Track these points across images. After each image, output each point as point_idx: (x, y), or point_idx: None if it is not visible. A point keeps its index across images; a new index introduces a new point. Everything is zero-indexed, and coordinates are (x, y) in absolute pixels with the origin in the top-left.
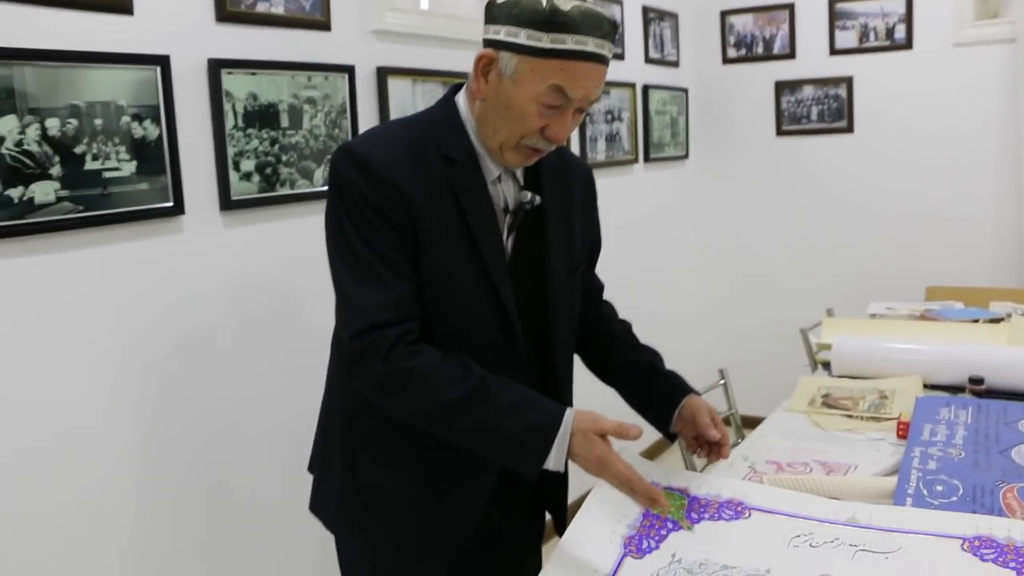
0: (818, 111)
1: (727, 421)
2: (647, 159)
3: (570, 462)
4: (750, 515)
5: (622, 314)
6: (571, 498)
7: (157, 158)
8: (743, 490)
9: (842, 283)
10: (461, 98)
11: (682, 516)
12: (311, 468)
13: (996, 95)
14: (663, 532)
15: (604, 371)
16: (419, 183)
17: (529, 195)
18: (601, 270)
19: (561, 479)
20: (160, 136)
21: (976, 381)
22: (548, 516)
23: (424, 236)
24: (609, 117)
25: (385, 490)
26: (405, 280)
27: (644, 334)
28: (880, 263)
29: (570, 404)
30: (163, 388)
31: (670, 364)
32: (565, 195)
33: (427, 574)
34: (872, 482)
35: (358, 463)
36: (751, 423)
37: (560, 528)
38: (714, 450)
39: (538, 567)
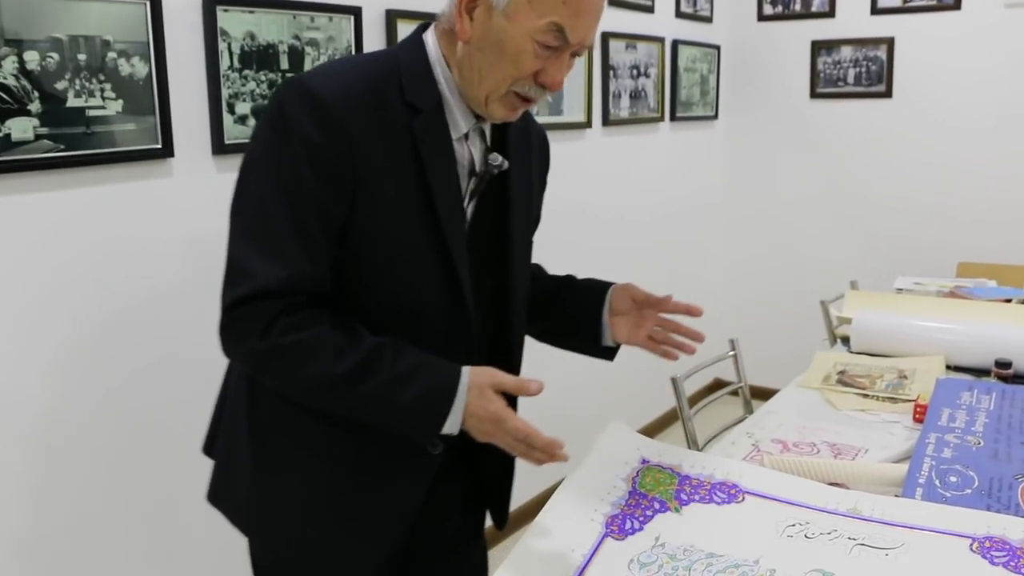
0: (855, 74)
1: (736, 393)
2: (673, 118)
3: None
4: (744, 499)
5: (643, 277)
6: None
7: (145, 97)
8: (738, 471)
9: (871, 254)
10: (430, 38)
11: (671, 496)
12: (208, 451)
13: None
14: (649, 513)
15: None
16: (375, 132)
17: (499, 159)
18: (619, 229)
19: (504, 472)
20: (149, 74)
21: (1003, 365)
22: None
23: (369, 192)
24: (635, 72)
25: (307, 481)
26: (314, 258)
27: None
28: (912, 235)
29: None
30: (145, 336)
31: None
32: (526, 159)
33: (354, 572)
34: (881, 469)
35: (273, 450)
36: (763, 395)
37: (500, 524)
38: (674, 327)
39: (482, 554)
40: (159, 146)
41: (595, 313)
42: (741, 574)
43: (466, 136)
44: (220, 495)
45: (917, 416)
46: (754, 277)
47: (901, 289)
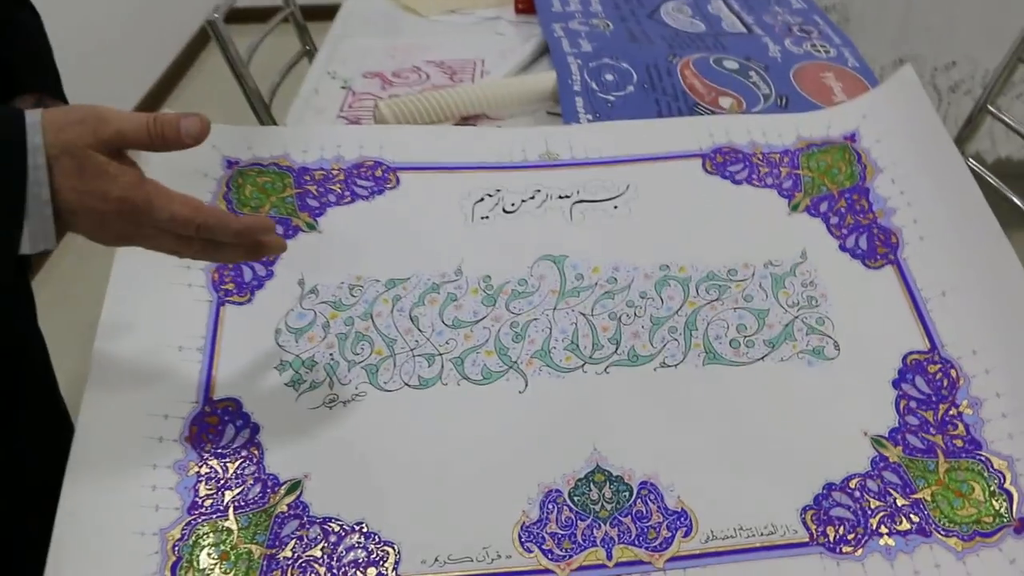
0: None
1: (287, 20)
2: None
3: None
4: (397, 182)
5: None
6: None
7: None
8: (376, 140)
9: None
10: None
11: (293, 209)
12: None
13: None
14: None
15: None
16: None
17: None
18: None
19: None
20: None
21: None
22: None
23: None
24: None
25: None
26: None
27: None
28: None
29: None
30: None
31: None
32: None
33: None
34: (526, 83)
35: None
36: (316, 15)
37: None
38: None
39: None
40: None
41: None
42: (448, 297)
43: None
44: None
45: (520, 6)
46: None
47: None
